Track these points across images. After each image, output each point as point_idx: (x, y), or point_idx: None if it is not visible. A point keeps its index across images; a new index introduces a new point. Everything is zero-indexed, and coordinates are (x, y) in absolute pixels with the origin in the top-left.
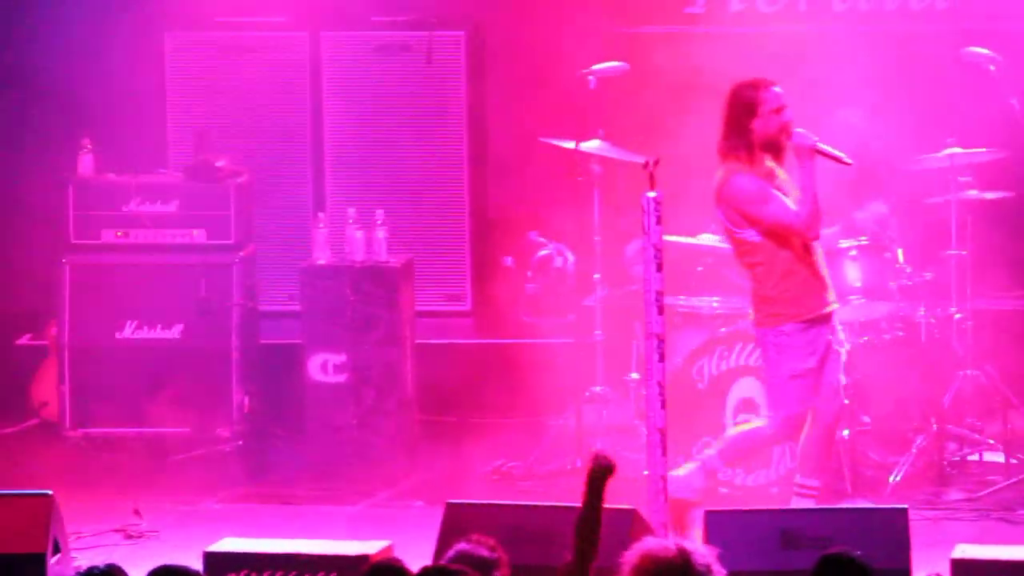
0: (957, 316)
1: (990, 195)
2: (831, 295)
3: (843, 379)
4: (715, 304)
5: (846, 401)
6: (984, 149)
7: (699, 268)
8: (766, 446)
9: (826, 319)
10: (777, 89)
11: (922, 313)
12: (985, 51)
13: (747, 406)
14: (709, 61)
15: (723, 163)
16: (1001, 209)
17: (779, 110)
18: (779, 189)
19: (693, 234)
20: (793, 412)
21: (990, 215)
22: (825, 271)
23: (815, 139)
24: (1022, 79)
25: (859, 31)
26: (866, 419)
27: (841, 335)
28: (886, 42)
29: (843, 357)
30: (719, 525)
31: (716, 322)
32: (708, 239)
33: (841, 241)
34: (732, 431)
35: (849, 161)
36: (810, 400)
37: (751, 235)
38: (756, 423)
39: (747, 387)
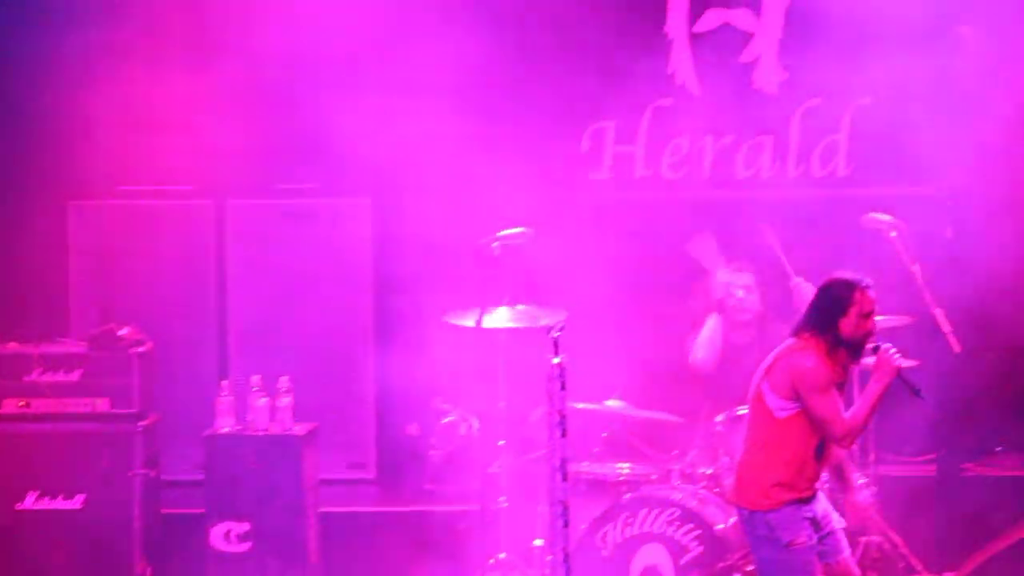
0: (860, 482)
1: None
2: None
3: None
4: (620, 470)
5: None
6: (886, 316)
7: (604, 434)
8: None
9: (814, 497)
10: (871, 293)
11: (823, 477)
12: (886, 217)
13: (652, 573)
14: (615, 225)
15: (797, 338)
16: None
17: (869, 315)
18: (839, 388)
19: (598, 400)
20: None
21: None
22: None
23: (900, 362)
24: (923, 245)
25: (763, 196)
26: None
27: (835, 513)
28: (788, 206)
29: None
30: None
31: (621, 488)
32: (613, 405)
33: (743, 408)
34: None
35: (923, 396)
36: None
37: (782, 409)
38: None
39: (651, 554)
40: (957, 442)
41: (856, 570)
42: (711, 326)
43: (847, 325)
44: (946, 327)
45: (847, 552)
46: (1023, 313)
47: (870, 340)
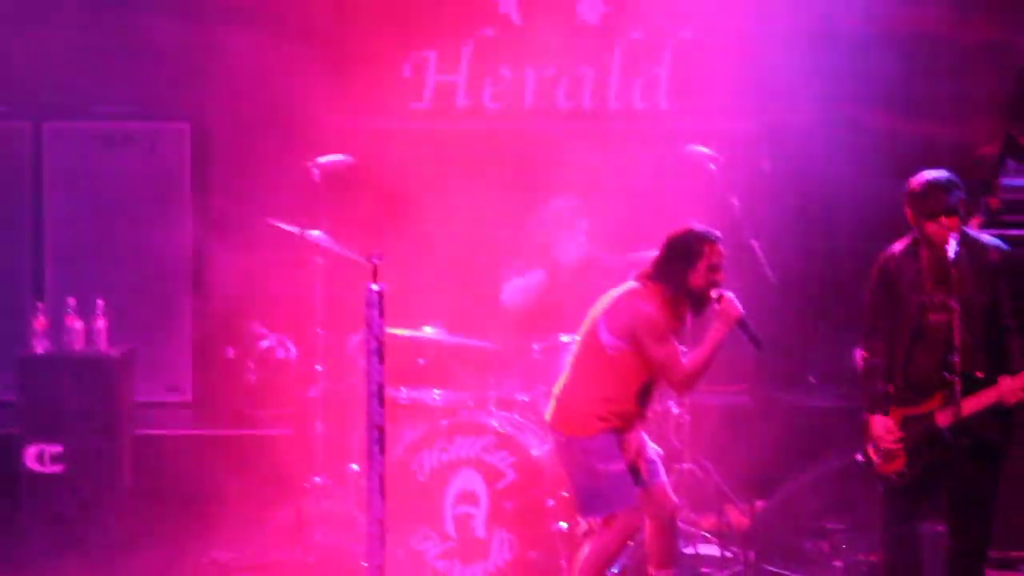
0: (675, 411)
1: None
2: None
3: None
4: (436, 396)
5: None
6: None
7: (421, 361)
8: (611, 553)
9: (629, 429)
10: (721, 247)
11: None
12: (706, 150)
13: (467, 498)
14: (436, 155)
15: (642, 282)
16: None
17: (717, 268)
18: (676, 335)
19: (416, 327)
20: (610, 513)
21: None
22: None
23: (741, 311)
24: (742, 178)
25: (584, 128)
26: None
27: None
28: (609, 137)
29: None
30: None
31: (437, 414)
32: (431, 332)
33: (562, 335)
34: (579, 555)
35: (762, 345)
36: (628, 500)
37: (614, 346)
38: (590, 539)
39: (467, 479)
40: (770, 372)
41: (672, 496)
42: (533, 279)
43: (694, 277)
44: (762, 258)
45: (663, 478)
46: (837, 245)
47: (714, 290)
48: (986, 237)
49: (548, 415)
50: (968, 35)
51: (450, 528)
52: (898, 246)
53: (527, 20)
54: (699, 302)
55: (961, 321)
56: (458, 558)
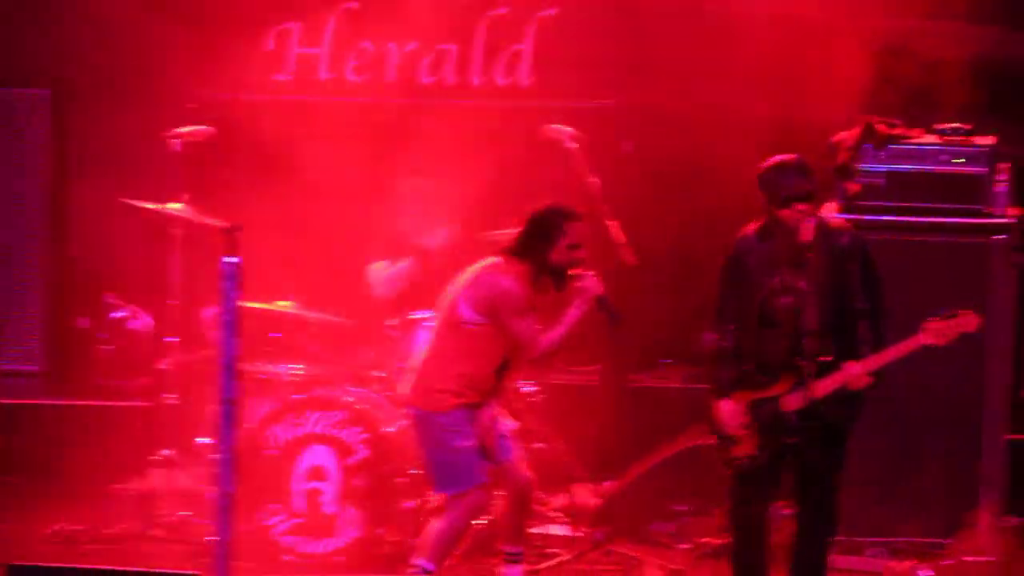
0: (527, 389)
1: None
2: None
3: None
4: (290, 371)
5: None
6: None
7: (276, 335)
8: (460, 529)
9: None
10: (581, 225)
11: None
12: (566, 128)
13: (317, 473)
14: (298, 129)
15: (502, 257)
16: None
17: (577, 246)
18: (535, 311)
19: (270, 301)
20: (464, 489)
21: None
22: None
23: (601, 290)
24: (602, 158)
25: (446, 104)
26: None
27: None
28: (472, 115)
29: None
30: None
31: (289, 389)
32: (286, 306)
33: (416, 312)
34: (427, 530)
35: (620, 323)
36: (481, 476)
37: (474, 321)
38: (440, 514)
39: (318, 454)
40: (624, 353)
41: (526, 471)
42: (401, 267)
43: (554, 253)
44: (620, 239)
45: (517, 454)
46: (695, 226)
47: (574, 268)
48: (838, 221)
49: (405, 390)
50: (830, 20)
51: (299, 503)
52: (750, 229)
53: None
54: (559, 278)
55: (812, 305)
56: (306, 534)
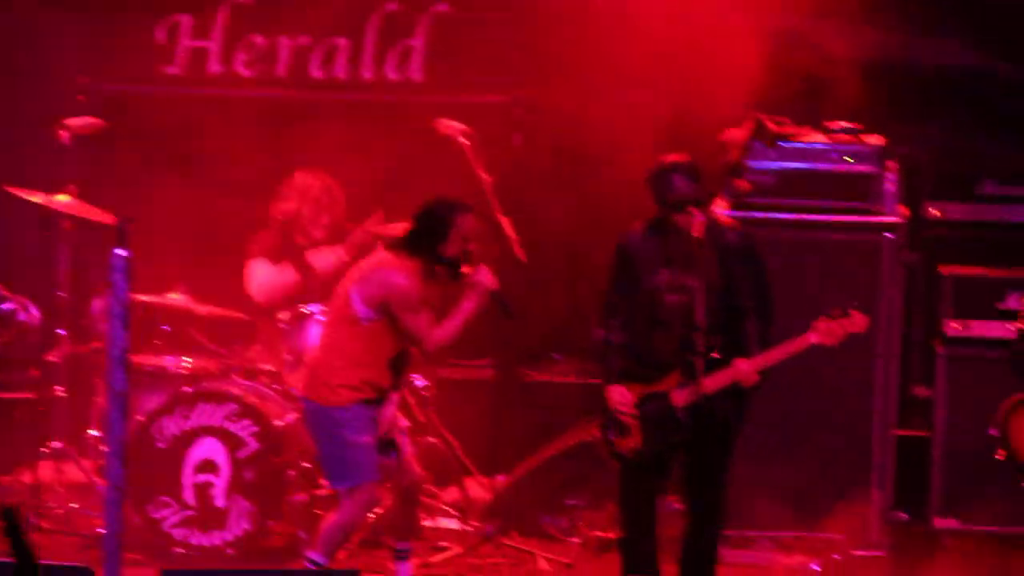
0: (419, 384)
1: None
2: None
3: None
4: (180, 364)
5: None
6: None
7: (165, 327)
8: (353, 523)
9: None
10: (472, 217)
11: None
12: (458, 124)
13: (207, 466)
14: (188, 121)
15: (393, 252)
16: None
17: (468, 239)
18: (428, 305)
19: (161, 293)
20: (358, 483)
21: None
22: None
23: (495, 283)
24: (494, 153)
25: (337, 98)
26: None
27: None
28: (364, 108)
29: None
30: None
31: (179, 381)
32: (176, 298)
33: (307, 306)
34: (320, 524)
35: (513, 315)
36: (375, 471)
37: (367, 316)
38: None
39: (208, 447)
40: (515, 347)
41: (417, 468)
42: (287, 277)
43: (446, 247)
44: (511, 234)
45: (409, 451)
46: (586, 221)
47: (468, 260)
48: (727, 219)
49: (300, 384)
50: (724, 17)
51: (189, 496)
52: (638, 226)
53: None
54: (452, 272)
55: (701, 302)
56: (196, 527)
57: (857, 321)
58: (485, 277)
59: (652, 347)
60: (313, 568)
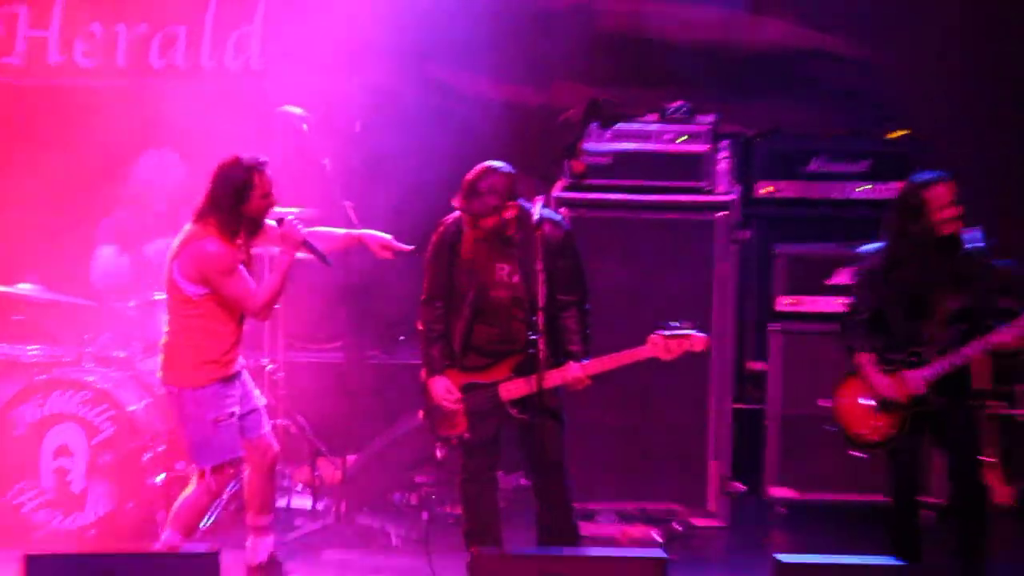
0: (269, 367)
1: (301, 253)
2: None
3: (267, 426)
4: (33, 352)
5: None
6: (297, 208)
7: (17, 317)
8: (210, 501)
9: (237, 376)
10: (268, 172)
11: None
12: (298, 110)
13: (64, 452)
14: (27, 113)
15: (197, 223)
16: (312, 265)
17: (268, 195)
18: (245, 264)
19: (11, 283)
20: (221, 461)
21: (303, 271)
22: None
23: (304, 233)
24: (335, 139)
25: (177, 86)
26: (180, 465)
27: (256, 391)
28: (204, 96)
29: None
30: (42, 569)
31: (33, 370)
32: (27, 288)
33: (157, 293)
34: (176, 504)
35: (329, 262)
36: (237, 449)
37: (196, 292)
38: (190, 487)
39: (64, 433)
40: (364, 331)
41: (275, 445)
42: (122, 263)
43: (249, 208)
44: (355, 219)
45: (267, 428)
46: (428, 206)
47: (272, 215)
48: (546, 212)
49: (159, 371)
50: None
51: (47, 481)
52: (456, 217)
53: None
54: (255, 228)
55: (523, 296)
56: (57, 510)
57: (696, 341)
58: (293, 231)
59: (476, 339)
60: (169, 548)
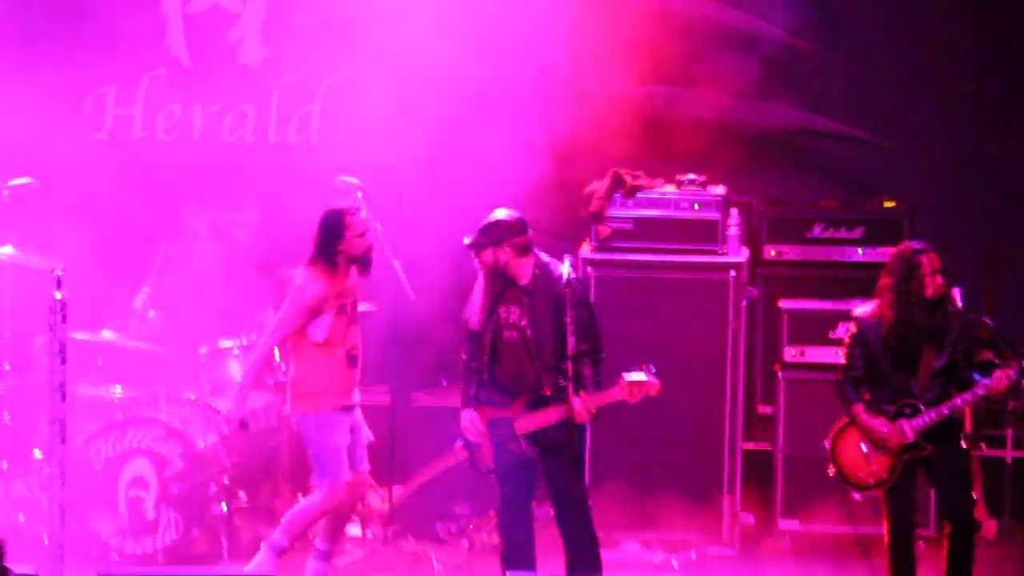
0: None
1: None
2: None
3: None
4: (113, 393)
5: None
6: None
7: (99, 361)
8: (321, 515)
9: (352, 409)
10: (361, 215)
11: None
12: (353, 179)
13: (139, 483)
14: (116, 179)
15: (307, 268)
16: (363, 318)
17: (363, 234)
18: (345, 301)
19: (96, 330)
20: (334, 480)
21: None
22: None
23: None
24: (385, 205)
25: (247, 159)
26: (243, 496)
27: (366, 428)
28: (270, 168)
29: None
30: None
31: (113, 409)
32: (108, 336)
33: (224, 340)
34: (291, 511)
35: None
36: (346, 472)
37: (312, 329)
38: (309, 498)
39: (138, 467)
40: (409, 375)
41: (368, 482)
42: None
43: (346, 245)
44: (402, 274)
45: (366, 466)
46: (462, 262)
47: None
48: (558, 265)
49: (287, 403)
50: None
51: (123, 510)
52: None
53: (196, 62)
54: (364, 266)
55: (534, 341)
56: (130, 536)
57: (651, 387)
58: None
59: (496, 377)
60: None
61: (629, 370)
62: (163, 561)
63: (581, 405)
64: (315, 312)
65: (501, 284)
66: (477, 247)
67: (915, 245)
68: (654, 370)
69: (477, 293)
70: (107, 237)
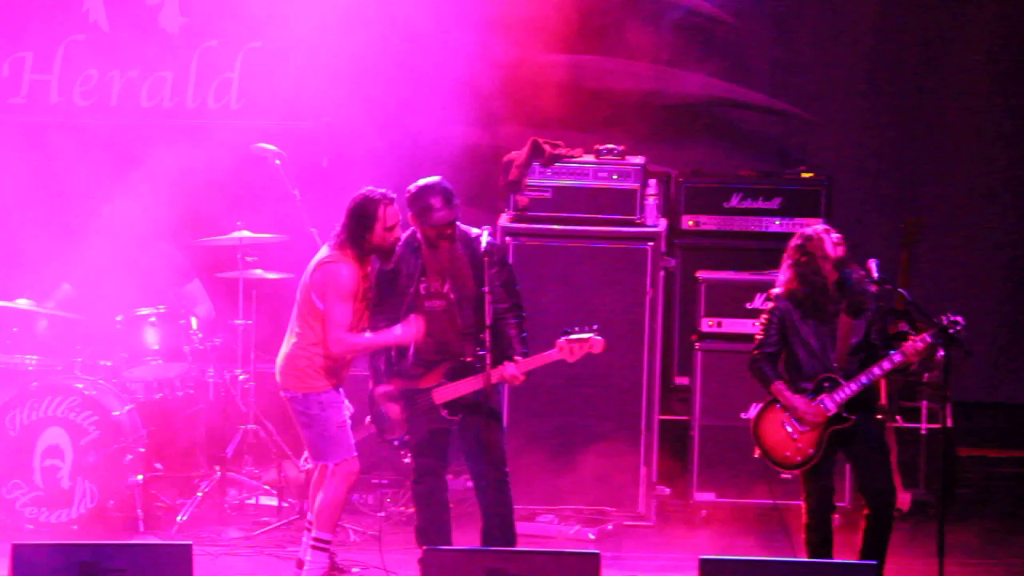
0: (241, 377)
1: (272, 275)
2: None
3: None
4: (28, 361)
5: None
6: (270, 234)
7: (15, 329)
8: (347, 493)
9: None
10: (393, 207)
11: (211, 374)
12: (271, 147)
13: (54, 452)
14: (33, 146)
15: (336, 248)
16: (280, 286)
17: (392, 228)
18: (367, 293)
19: (10, 298)
20: (346, 457)
21: (271, 291)
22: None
23: (420, 335)
24: (302, 172)
25: (164, 125)
26: (159, 466)
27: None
28: (188, 135)
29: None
30: (29, 557)
31: (28, 377)
32: (24, 303)
33: (140, 309)
34: (315, 505)
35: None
36: (353, 447)
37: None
38: (325, 485)
39: (54, 435)
40: None
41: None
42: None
43: (374, 237)
44: (319, 243)
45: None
46: None
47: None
48: (475, 230)
49: (277, 376)
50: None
51: (38, 479)
52: (401, 237)
53: (114, 28)
54: (386, 257)
55: (456, 308)
56: (45, 506)
57: (595, 344)
58: (417, 326)
59: (419, 348)
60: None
61: (567, 332)
62: (79, 531)
63: (516, 369)
64: (356, 296)
65: (431, 255)
66: (456, 217)
67: (809, 230)
68: (596, 327)
69: (387, 269)
70: (22, 202)
